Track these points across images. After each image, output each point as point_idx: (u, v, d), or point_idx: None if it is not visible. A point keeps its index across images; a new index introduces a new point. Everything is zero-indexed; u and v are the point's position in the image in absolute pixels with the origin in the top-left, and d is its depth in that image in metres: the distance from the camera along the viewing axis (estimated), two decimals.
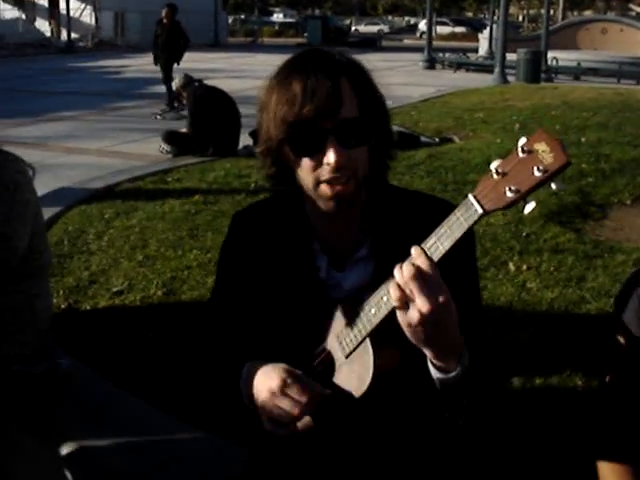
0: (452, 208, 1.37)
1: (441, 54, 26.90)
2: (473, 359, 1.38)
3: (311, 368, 1.49)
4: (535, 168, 1.14)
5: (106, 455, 2.61)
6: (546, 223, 5.55)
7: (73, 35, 34.49)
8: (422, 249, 1.27)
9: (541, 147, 1.15)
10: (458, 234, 1.23)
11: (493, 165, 1.20)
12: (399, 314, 1.28)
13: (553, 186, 1.15)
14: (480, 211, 1.19)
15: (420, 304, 1.24)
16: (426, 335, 1.28)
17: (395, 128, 7.46)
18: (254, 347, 1.57)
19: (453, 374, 1.35)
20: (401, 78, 19.54)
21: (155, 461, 2.58)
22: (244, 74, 17.64)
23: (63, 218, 5.91)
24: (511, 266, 4.74)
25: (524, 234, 5.30)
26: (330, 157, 1.42)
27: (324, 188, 1.46)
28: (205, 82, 9.39)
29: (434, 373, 1.38)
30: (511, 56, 20.28)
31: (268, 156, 1.54)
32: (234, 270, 1.65)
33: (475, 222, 1.21)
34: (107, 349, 3.55)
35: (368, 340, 1.40)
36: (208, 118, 8.75)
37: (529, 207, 1.17)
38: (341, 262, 1.57)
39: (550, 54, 22.68)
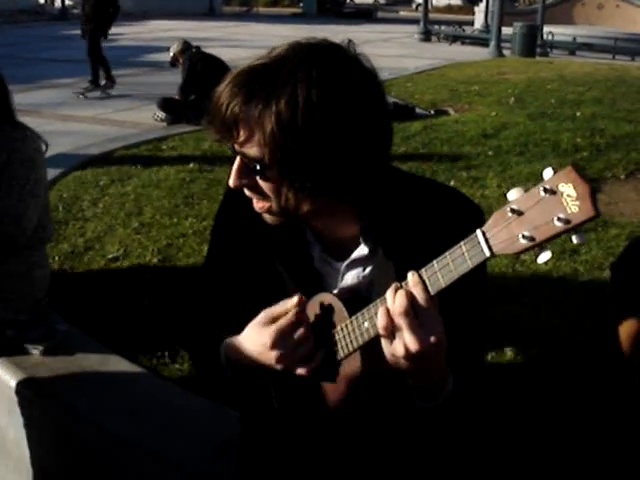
0: (459, 207, 1.33)
1: (437, 26, 26.75)
2: (458, 385, 1.32)
3: None
4: (556, 216, 1.00)
5: (103, 419, 2.64)
6: None
7: (67, 2, 34.09)
8: (421, 278, 1.16)
9: (567, 190, 1.00)
10: (460, 272, 1.12)
11: (510, 197, 1.06)
12: (383, 341, 1.20)
13: (574, 239, 1.02)
14: (487, 254, 1.08)
15: (409, 341, 1.15)
16: (408, 368, 1.21)
17: (390, 99, 7.45)
18: (240, 324, 1.47)
19: (432, 403, 1.30)
20: (396, 50, 19.45)
21: (152, 424, 2.60)
22: (239, 43, 17.50)
23: (58, 185, 5.90)
24: None
25: None
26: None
27: None
28: (202, 49, 9.28)
29: (415, 398, 1.32)
30: (507, 30, 20.17)
31: None
32: (226, 241, 1.58)
33: (480, 263, 1.10)
34: (102, 314, 3.56)
35: (358, 351, 1.32)
36: (203, 86, 8.63)
37: (543, 257, 1.06)
38: (337, 253, 1.46)
39: (546, 28, 22.57)
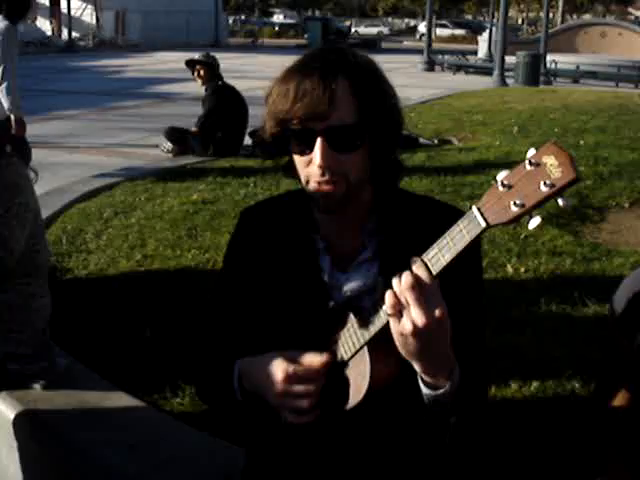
0: (460, 215, 1.36)
1: (440, 56, 26.97)
2: (465, 377, 1.36)
3: None
4: (542, 182, 1.11)
5: (104, 453, 2.62)
6: (544, 226, 5.55)
7: (74, 34, 34.54)
8: (422, 261, 1.25)
9: (549, 160, 1.11)
10: (460, 247, 1.20)
11: (499, 177, 1.17)
12: (392, 322, 1.27)
13: (560, 202, 1.13)
14: (483, 224, 1.17)
15: (415, 315, 1.23)
16: (417, 348, 1.27)
17: None
18: (252, 345, 1.56)
19: (442, 391, 1.34)
20: (400, 80, 19.52)
21: (152, 459, 2.59)
22: (244, 74, 17.62)
23: (62, 217, 5.91)
24: (509, 268, 4.75)
25: (522, 236, 5.31)
26: (317, 158, 1.42)
27: (313, 186, 1.46)
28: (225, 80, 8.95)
29: (423, 389, 1.36)
30: (510, 59, 20.33)
31: (265, 148, 1.55)
32: (238, 266, 1.65)
33: (478, 235, 1.19)
34: (103, 346, 3.55)
35: (366, 348, 1.38)
36: (220, 120, 8.58)
37: (534, 222, 1.15)
38: (345, 263, 1.56)
39: (549, 57, 22.74)
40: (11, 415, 2.78)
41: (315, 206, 1.51)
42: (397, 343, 1.28)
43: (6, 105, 5.76)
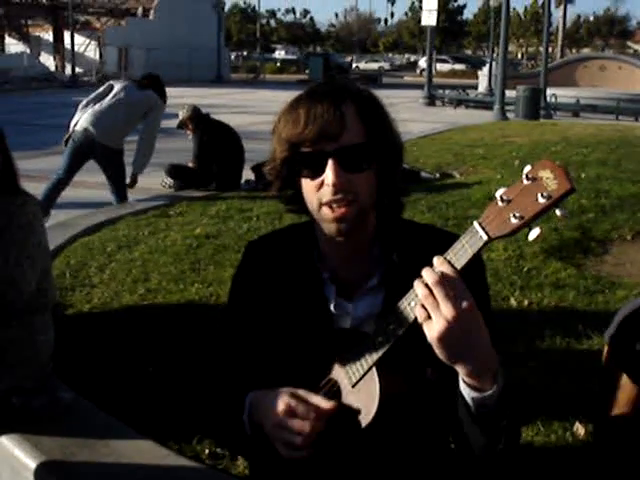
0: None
1: (441, 91, 27.19)
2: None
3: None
4: (539, 195, 1.15)
5: None
6: (547, 258, 5.56)
7: (77, 70, 34.88)
8: (445, 259, 1.27)
9: (545, 174, 1.16)
10: (463, 261, 1.24)
11: (498, 193, 1.21)
12: (426, 328, 1.26)
13: (557, 212, 1.17)
14: (485, 238, 1.21)
15: (445, 311, 1.23)
16: (454, 346, 1.25)
17: None
18: (260, 377, 1.58)
19: (489, 392, 1.31)
20: (402, 114, 19.48)
21: None
22: (246, 110, 17.78)
23: (65, 251, 5.92)
24: (512, 301, 4.75)
25: (525, 269, 5.31)
26: (330, 178, 1.44)
27: (325, 210, 1.48)
28: (212, 116, 9.33)
29: (468, 393, 1.33)
30: (510, 93, 20.50)
31: (275, 177, 1.57)
32: (244, 298, 1.66)
33: (480, 249, 1.22)
34: (106, 382, 3.54)
35: (374, 369, 1.39)
36: (214, 153, 8.78)
37: (534, 233, 1.18)
38: (350, 292, 1.57)
39: (549, 91, 22.90)
40: (14, 450, 2.77)
41: (327, 232, 1.52)
42: (436, 350, 1.26)
43: None
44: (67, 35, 36.27)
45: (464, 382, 1.33)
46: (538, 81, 23.40)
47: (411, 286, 1.30)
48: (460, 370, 1.30)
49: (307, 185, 1.50)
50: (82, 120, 7.57)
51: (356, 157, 1.46)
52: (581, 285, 5.05)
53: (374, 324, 1.44)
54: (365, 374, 1.41)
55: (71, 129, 7.63)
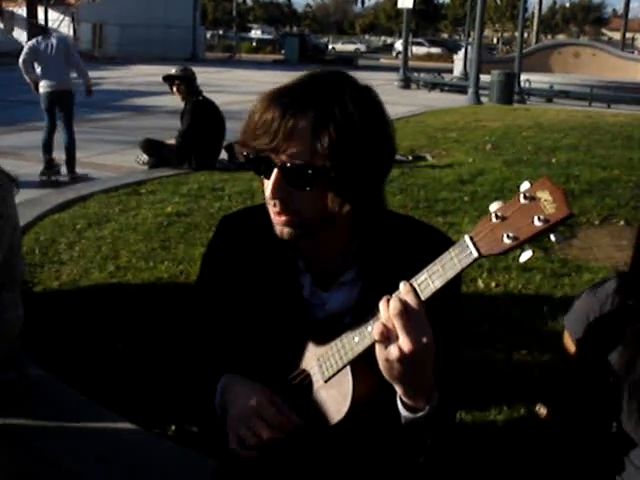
0: (443, 240, 1.36)
1: (416, 74, 27.14)
2: (442, 400, 1.36)
3: (287, 386, 1.47)
4: (536, 217, 1.11)
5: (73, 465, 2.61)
6: None
7: None
8: (412, 286, 1.24)
9: (544, 195, 1.13)
10: (451, 274, 1.20)
11: (493, 207, 1.17)
12: (378, 347, 1.26)
13: (552, 237, 1.13)
14: (475, 255, 1.17)
15: (402, 342, 1.22)
16: (401, 373, 1.26)
17: None
18: (232, 358, 1.55)
19: (421, 414, 1.33)
20: None
21: (120, 470, 2.58)
22: (221, 89, 17.63)
23: (35, 227, 5.89)
24: (480, 283, 4.80)
25: None
26: (268, 189, 1.41)
27: (270, 210, 1.46)
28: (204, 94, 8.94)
29: (402, 411, 1.36)
30: (485, 77, 20.54)
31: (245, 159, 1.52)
32: (216, 275, 1.62)
33: (469, 265, 1.18)
34: (75, 358, 3.54)
35: (349, 368, 1.37)
36: (200, 133, 8.58)
37: (525, 256, 1.15)
38: (326, 282, 1.53)
39: (523, 76, 22.96)
40: None
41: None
42: (382, 367, 1.27)
43: None
44: (41, 11, 35.67)
45: (400, 400, 1.36)
46: (513, 66, 23.46)
47: (388, 281, 1.29)
48: (398, 389, 1.32)
49: (262, 180, 1.46)
50: None
51: (297, 176, 1.38)
52: (548, 268, 5.12)
53: (350, 318, 1.42)
54: (339, 371, 1.38)
55: None
